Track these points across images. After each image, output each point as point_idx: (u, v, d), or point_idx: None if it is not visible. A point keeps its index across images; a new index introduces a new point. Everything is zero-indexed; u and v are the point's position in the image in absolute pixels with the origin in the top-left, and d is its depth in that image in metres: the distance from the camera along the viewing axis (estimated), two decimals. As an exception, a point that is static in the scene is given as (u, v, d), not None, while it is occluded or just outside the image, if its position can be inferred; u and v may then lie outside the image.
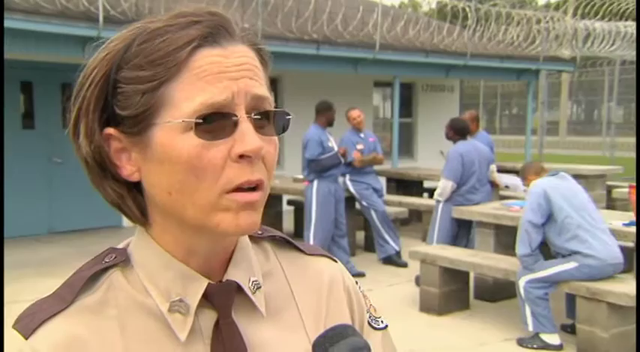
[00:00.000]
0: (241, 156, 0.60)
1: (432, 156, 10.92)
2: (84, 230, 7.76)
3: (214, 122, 0.60)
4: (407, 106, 11.22)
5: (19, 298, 4.47)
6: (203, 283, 0.65)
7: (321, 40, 8.23)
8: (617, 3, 13.95)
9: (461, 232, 5.54)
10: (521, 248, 4.02)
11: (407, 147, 11.27)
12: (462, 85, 13.13)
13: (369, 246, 6.73)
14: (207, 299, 0.65)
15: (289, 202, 7.74)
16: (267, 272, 0.72)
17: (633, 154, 12.22)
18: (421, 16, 11.57)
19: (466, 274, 4.92)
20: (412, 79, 11.04)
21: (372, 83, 10.86)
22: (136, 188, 0.66)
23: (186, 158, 0.60)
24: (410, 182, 8.52)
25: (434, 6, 12.44)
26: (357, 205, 6.50)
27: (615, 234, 4.11)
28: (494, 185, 5.90)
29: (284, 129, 0.66)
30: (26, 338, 0.61)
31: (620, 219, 4.57)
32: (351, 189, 6.35)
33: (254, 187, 0.62)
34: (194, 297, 0.65)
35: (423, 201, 7.57)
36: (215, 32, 0.62)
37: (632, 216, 4.61)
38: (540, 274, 3.99)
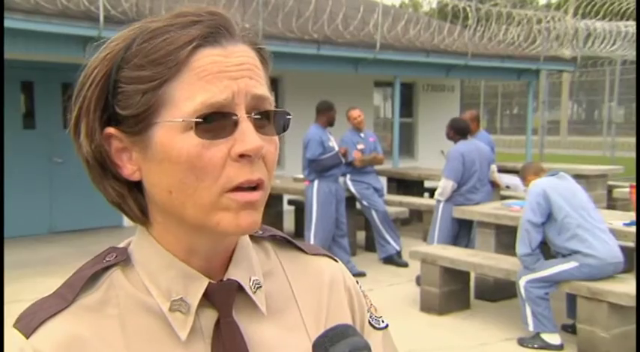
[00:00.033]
0: (241, 156, 0.60)
1: (433, 156, 10.92)
2: (84, 230, 7.77)
3: (214, 122, 0.60)
4: (407, 106, 11.22)
5: (20, 298, 4.47)
6: (204, 282, 0.65)
7: (322, 40, 8.23)
8: (618, 3, 13.94)
9: (461, 232, 5.54)
10: (521, 247, 4.03)
11: (407, 146, 11.27)
12: (462, 84, 13.14)
13: (370, 246, 6.73)
14: (207, 298, 0.65)
15: (290, 202, 7.74)
16: (267, 272, 0.72)
17: (634, 154, 12.20)
18: (422, 16, 11.57)
19: (467, 274, 4.92)
20: (413, 78, 11.04)
21: (373, 83, 10.86)
22: (136, 187, 0.66)
23: (186, 157, 0.60)
24: (410, 182, 8.52)
25: (434, 6, 12.44)
26: (358, 205, 6.50)
27: (616, 233, 4.11)
28: (494, 185, 5.90)
29: (284, 129, 0.66)
30: (27, 338, 0.61)
31: (621, 219, 4.57)
32: (352, 188, 6.35)
33: (254, 187, 0.62)
34: (195, 296, 0.65)
35: (424, 200, 7.57)
36: (215, 32, 0.62)
37: (633, 215, 4.61)
38: (541, 274, 3.99)
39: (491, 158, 5.70)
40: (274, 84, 9.45)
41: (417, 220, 7.84)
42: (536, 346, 4.04)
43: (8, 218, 6.61)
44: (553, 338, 4.03)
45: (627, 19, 13.74)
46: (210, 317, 0.65)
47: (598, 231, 3.92)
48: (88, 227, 7.81)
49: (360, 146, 6.23)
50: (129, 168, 0.64)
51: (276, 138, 0.65)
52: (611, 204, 8.12)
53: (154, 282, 0.65)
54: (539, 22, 11.48)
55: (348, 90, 9.74)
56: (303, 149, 5.77)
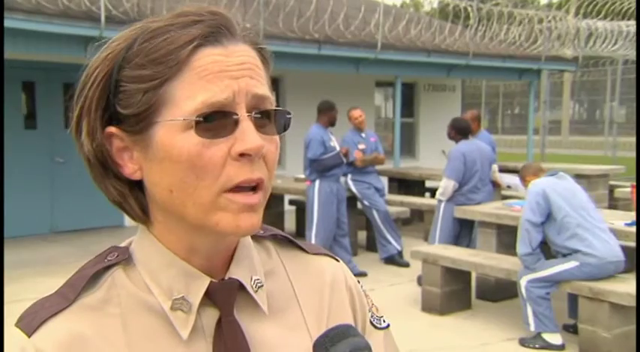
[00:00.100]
0: (242, 155, 0.60)
1: (434, 156, 10.91)
2: (86, 229, 7.78)
3: (215, 121, 0.60)
4: (409, 106, 11.22)
5: (21, 297, 4.48)
6: (205, 281, 0.65)
7: (323, 40, 8.23)
8: (620, 2, 13.92)
9: (463, 232, 5.54)
10: (521, 247, 4.03)
11: (409, 146, 11.27)
12: (463, 84, 13.13)
13: (371, 246, 6.73)
14: (209, 297, 0.65)
15: (291, 202, 7.75)
16: (269, 271, 0.72)
17: (635, 154, 12.18)
18: (423, 16, 11.57)
19: (468, 274, 4.92)
20: (414, 78, 11.04)
21: (374, 83, 10.86)
22: (137, 186, 0.66)
23: (186, 156, 0.60)
24: (412, 182, 8.52)
25: (436, 5, 12.44)
26: (359, 205, 6.50)
27: (617, 233, 4.11)
28: (495, 185, 5.90)
29: (285, 128, 0.66)
30: (29, 337, 0.61)
31: (622, 219, 4.57)
32: (353, 188, 6.35)
33: (254, 187, 0.62)
34: (196, 295, 0.65)
35: (425, 200, 7.57)
36: (216, 31, 0.62)
37: (634, 215, 4.60)
38: (542, 274, 3.99)
39: (492, 158, 5.69)
40: (275, 84, 9.45)
41: (418, 220, 7.84)
42: (537, 346, 4.04)
43: (10, 218, 6.62)
44: (554, 338, 4.02)
45: (629, 19, 13.72)
46: (211, 316, 0.65)
47: (598, 231, 3.93)
48: (89, 227, 7.82)
49: (361, 146, 6.23)
50: (130, 168, 0.65)
51: (277, 137, 0.65)
52: (613, 203, 8.11)
53: (155, 281, 0.65)
54: (540, 21, 11.47)
55: (349, 90, 9.74)
56: (305, 149, 5.77)
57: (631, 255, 4.19)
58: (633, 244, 4.29)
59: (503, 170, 6.97)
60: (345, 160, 5.91)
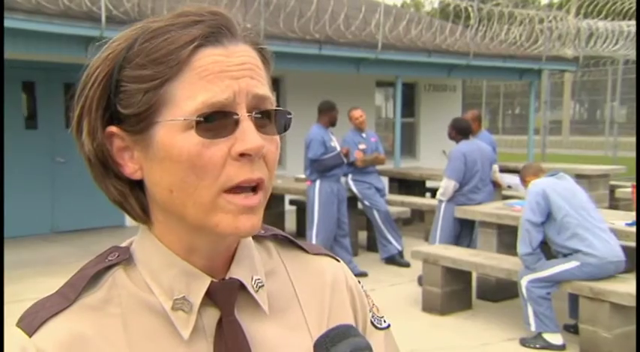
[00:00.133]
0: (242, 155, 0.61)
1: (435, 156, 10.91)
2: (86, 229, 7.78)
3: (215, 121, 0.60)
4: (409, 106, 11.21)
5: (22, 297, 4.48)
6: (206, 281, 0.65)
7: (324, 40, 8.23)
8: (620, 2, 13.92)
9: (463, 232, 5.54)
10: (522, 247, 4.03)
11: (409, 146, 11.27)
12: (464, 84, 13.13)
13: (372, 246, 6.73)
14: (210, 297, 0.65)
15: (291, 202, 7.75)
16: (270, 271, 0.72)
17: (635, 154, 12.18)
18: (423, 16, 11.57)
19: (468, 274, 4.92)
20: (414, 78, 11.03)
21: (375, 83, 10.86)
22: (138, 186, 0.66)
23: (186, 156, 0.60)
24: (412, 182, 8.52)
25: (436, 6, 12.44)
26: (360, 205, 6.50)
27: (618, 233, 4.11)
28: (496, 185, 5.90)
29: (285, 128, 0.66)
30: (30, 336, 0.62)
31: (623, 219, 4.56)
32: (354, 188, 6.35)
33: (254, 187, 0.62)
34: (197, 295, 0.65)
35: (426, 200, 7.57)
36: (217, 32, 0.62)
37: (635, 215, 4.60)
38: (542, 274, 3.99)
39: (493, 158, 5.69)
40: (276, 84, 9.45)
41: (418, 220, 7.84)
42: (538, 346, 4.04)
43: (10, 218, 6.62)
44: (555, 338, 4.02)
45: (629, 19, 13.71)
46: (212, 315, 0.66)
47: (598, 231, 3.93)
48: (90, 227, 7.82)
49: (362, 146, 6.23)
50: (130, 167, 0.65)
51: (277, 137, 0.65)
52: (614, 204, 8.11)
53: (156, 281, 0.65)
54: (541, 21, 11.47)
55: (350, 90, 9.74)
56: (305, 149, 5.77)
57: (632, 255, 4.19)
58: (634, 244, 4.29)
59: (504, 170, 6.97)
60: (345, 160, 5.91)
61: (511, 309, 4.74)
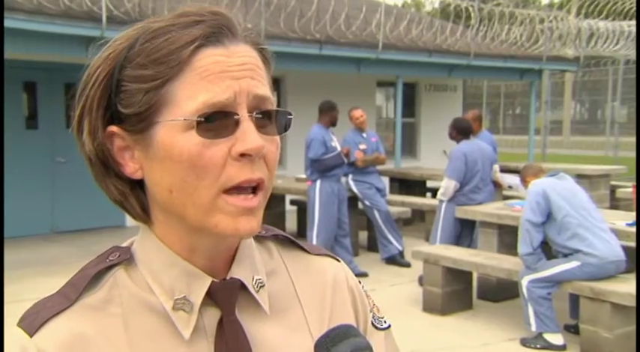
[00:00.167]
0: (242, 155, 0.61)
1: (435, 156, 10.91)
2: (87, 229, 7.78)
3: (216, 121, 0.60)
4: (410, 106, 11.21)
5: (22, 297, 4.48)
6: (207, 281, 0.65)
7: (324, 40, 8.23)
8: (621, 2, 13.91)
9: (464, 232, 5.54)
10: (522, 247, 4.03)
11: (410, 146, 11.26)
12: (465, 84, 13.12)
13: (372, 246, 6.73)
14: (210, 297, 0.65)
15: (292, 202, 7.75)
16: (271, 271, 0.72)
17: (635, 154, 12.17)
18: (424, 16, 11.57)
19: (469, 274, 4.92)
20: (415, 78, 11.03)
21: (375, 83, 10.86)
22: (138, 186, 0.66)
23: (187, 156, 0.60)
24: (413, 182, 8.52)
25: (437, 5, 12.44)
26: (360, 205, 6.50)
27: (618, 233, 4.11)
28: (497, 185, 5.90)
29: (286, 129, 0.66)
30: (31, 336, 0.62)
31: (624, 219, 4.56)
32: (354, 188, 6.35)
33: (255, 187, 0.62)
34: (198, 295, 0.65)
35: (426, 200, 7.57)
36: (218, 32, 0.62)
37: (635, 215, 4.60)
38: (543, 274, 3.99)
39: (493, 158, 5.69)
40: (276, 84, 9.45)
41: (419, 220, 7.84)
42: (538, 346, 4.03)
43: (11, 218, 6.62)
44: (556, 339, 4.02)
45: (630, 19, 13.71)
46: (213, 315, 0.66)
47: (599, 230, 3.93)
48: (90, 227, 7.82)
49: (363, 146, 6.23)
50: (131, 167, 0.65)
51: (278, 137, 0.65)
52: (614, 204, 8.11)
53: (157, 281, 0.65)
54: (541, 21, 11.47)
55: (351, 90, 9.74)
56: (306, 149, 5.77)
57: (632, 255, 4.18)
58: (634, 244, 4.29)
59: (505, 170, 6.96)
60: (346, 160, 5.91)
61: (512, 309, 4.74)
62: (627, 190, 7.18)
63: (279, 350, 0.68)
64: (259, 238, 0.75)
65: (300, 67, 8.21)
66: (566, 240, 3.94)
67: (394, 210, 6.61)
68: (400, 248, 6.31)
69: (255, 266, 0.70)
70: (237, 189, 0.61)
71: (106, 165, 0.66)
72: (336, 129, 5.93)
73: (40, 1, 6.05)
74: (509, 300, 4.96)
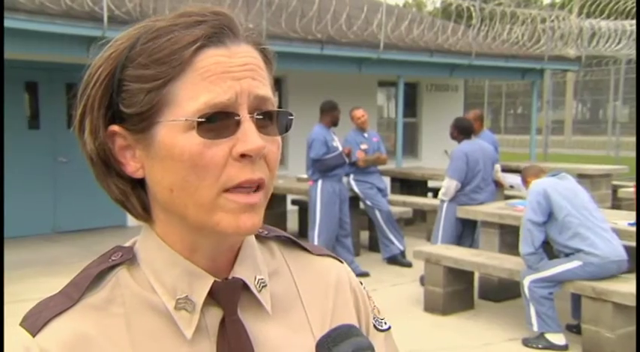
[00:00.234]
0: (243, 156, 0.61)
1: (437, 156, 10.91)
2: (88, 229, 7.79)
3: (217, 121, 0.60)
4: (411, 106, 11.21)
5: (24, 297, 4.49)
6: (209, 280, 0.65)
7: (325, 40, 8.23)
8: (623, 2, 13.89)
9: (465, 232, 5.53)
10: (524, 247, 4.03)
11: (411, 146, 11.26)
12: (466, 84, 13.12)
13: (374, 246, 6.73)
14: (213, 296, 0.65)
15: (293, 202, 7.74)
16: (273, 271, 0.72)
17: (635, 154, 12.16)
18: (425, 16, 11.57)
19: (471, 274, 4.91)
20: (416, 78, 11.03)
21: (376, 83, 10.85)
22: (140, 185, 0.67)
23: (188, 156, 0.60)
24: (414, 182, 8.51)
25: (438, 5, 12.44)
26: (362, 205, 6.50)
27: (620, 233, 4.10)
28: (498, 185, 5.89)
29: (286, 129, 0.66)
30: (33, 336, 0.62)
31: (626, 219, 4.56)
32: (355, 188, 6.35)
33: (255, 187, 0.62)
34: (200, 295, 0.65)
35: (428, 200, 7.57)
36: (219, 32, 0.62)
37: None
38: (544, 274, 3.98)
39: (495, 158, 5.69)
40: (278, 84, 9.45)
41: (420, 220, 7.84)
42: (540, 346, 4.03)
43: (12, 217, 6.63)
44: (557, 339, 4.02)
45: (632, 18, 13.69)
46: (215, 315, 0.66)
47: (600, 230, 3.92)
48: (92, 227, 7.83)
49: (364, 146, 6.23)
50: (132, 166, 0.65)
51: (279, 138, 0.65)
52: (616, 203, 8.10)
53: (159, 280, 0.65)
54: (543, 21, 11.46)
55: (352, 90, 9.74)
56: (307, 149, 5.77)
57: (634, 255, 4.18)
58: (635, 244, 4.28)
59: (506, 170, 6.96)
60: (347, 160, 5.91)
61: (513, 309, 4.73)
62: (629, 190, 7.17)
63: (281, 350, 0.68)
64: (261, 238, 0.75)
65: (302, 66, 8.21)
66: (567, 240, 3.94)
67: (395, 209, 6.60)
68: (401, 248, 6.31)
69: (258, 266, 0.70)
70: (238, 188, 0.61)
71: (107, 165, 0.66)
72: (338, 129, 5.93)
73: (41, 1, 6.06)
74: (510, 300, 4.95)
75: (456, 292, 4.85)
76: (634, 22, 13.27)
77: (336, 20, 8.52)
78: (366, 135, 6.31)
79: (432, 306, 4.84)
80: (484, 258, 4.68)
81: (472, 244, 5.50)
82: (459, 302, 4.87)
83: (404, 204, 7.09)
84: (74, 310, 0.63)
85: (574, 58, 11.84)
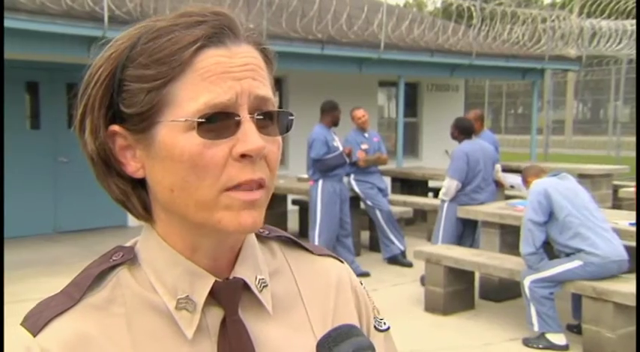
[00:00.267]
0: (243, 156, 0.61)
1: (437, 156, 10.90)
2: (89, 229, 7.79)
3: (217, 122, 0.60)
4: (412, 106, 11.21)
5: (24, 297, 4.49)
6: (210, 280, 0.65)
7: (326, 40, 8.23)
8: (624, 1, 13.88)
9: (466, 232, 5.53)
10: (525, 247, 4.03)
11: (412, 146, 11.26)
12: (466, 84, 13.12)
13: (374, 246, 6.73)
14: (213, 296, 0.65)
15: (294, 202, 7.75)
16: (274, 271, 0.72)
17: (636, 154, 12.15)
18: (426, 16, 11.57)
19: (471, 274, 4.91)
20: (417, 78, 11.03)
21: (377, 83, 10.85)
22: (140, 185, 0.67)
23: (188, 156, 0.60)
24: (415, 181, 8.51)
25: (439, 5, 12.43)
26: (362, 205, 6.50)
27: (620, 233, 4.10)
28: (499, 184, 5.89)
29: (287, 129, 0.66)
30: (34, 336, 0.62)
31: (626, 219, 4.55)
32: (356, 188, 6.35)
33: (256, 186, 0.62)
34: (201, 294, 0.65)
35: (428, 200, 7.56)
36: (220, 32, 0.62)
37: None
38: (545, 274, 3.98)
39: (495, 157, 5.69)
40: (278, 83, 9.45)
41: (421, 220, 7.84)
42: (541, 346, 4.03)
43: (13, 218, 6.64)
44: (558, 339, 4.02)
45: (633, 18, 13.68)
46: (216, 315, 0.66)
47: (600, 230, 3.92)
48: (92, 227, 7.83)
49: (364, 146, 6.23)
50: (132, 166, 0.65)
51: (279, 138, 0.65)
52: (617, 203, 8.09)
53: (160, 280, 0.65)
54: (544, 21, 11.45)
55: (352, 90, 9.74)
56: (308, 149, 5.77)
57: (635, 255, 4.18)
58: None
59: (507, 170, 6.96)
60: (348, 160, 5.91)
61: (514, 309, 4.73)
62: (629, 190, 7.17)
63: (282, 349, 0.68)
64: (262, 238, 0.75)
65: (302, 66, 8.21)
66: (568, 240, 3.94)
67: (396, 209, 6.60)
68: (402, 248, 6.31)
69: (259, 266, 0.70)
70: (238, 188, 0.61)
71: (107, 165, 0.66)
72: (338, 129, 5.93)
73: (42, 1, 6.06)
74: (511, 300, 4.95)
75: (457, 292, 4.85)
76: (635, 21, 13.26)
77: (336, 20, 8.52)
78: (366, 135, 6.31)
79: (433, 306, 4.84)
80: (485, 258, 4.68)
81: (473, 244, 5.50)
82: (460, 302, 4.87)
83: (404, 203, 7.09)
84: (75, 310, 0.63)
85: (575, 57, 11.84)
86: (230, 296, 0.66)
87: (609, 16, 13.50)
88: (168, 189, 0.63)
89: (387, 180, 7.66)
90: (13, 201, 6.77)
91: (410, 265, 6.15)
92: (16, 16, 5.66)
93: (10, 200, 6.49)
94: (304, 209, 7.13)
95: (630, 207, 6.91)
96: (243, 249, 0.69)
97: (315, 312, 0.72)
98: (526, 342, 4.11)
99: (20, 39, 5.90)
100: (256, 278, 0.69)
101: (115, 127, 0.64)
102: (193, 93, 0.60)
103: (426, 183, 8.73)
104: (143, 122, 0.62)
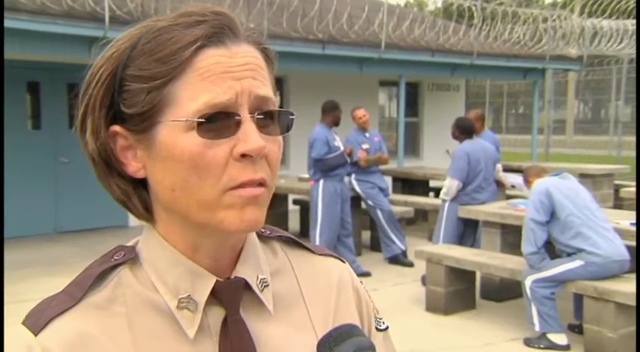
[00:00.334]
0: (243, 156, 0.61)
1: (438, 156, 10.90)
2: (90, 229, 7.80)
3: (218, 122, 0.60)
4: (413, 106, 11.21)
5: (25, 297, 4.50)
6: (211, 280, 0.65)
7: (327, 40, 8.23)
8: (625, 1, 13.87)
9: (467, 231, 5.53)
10: (527, 246, 4.03)
11: (413, 146, 11.26)
12: (467, 84, 13.11)
13: (375, 246, 6.73)
14: (215, 296, 0.65)
15: (295, 202, 7.75)
16: (276, 271, 0.73)
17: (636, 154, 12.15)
18: (427, 15, 11.56)
19: (472, 274, 4.91)
20: (418, 78, 11.02)
21: (378, 82, 10.85)
22: (141, 185, 0.67)
23: (188, 156, 0.60)
24: (416, 181, 8.51)
25: (440, 5, 12.43)
26: (363, 205, 6.50)
27: (622, 233, 4.10)
28: (500, 184, 5.89)
29: (288, 129, 0.66)
30: (35, 335, 0.62)
31: (628, 219, 4.55)
32: (357, 188, 6.35)
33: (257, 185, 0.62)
34: (202, 294, 0.65)
35: (429, 200, 7.56)
36: (220, 32, 0.62)
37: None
38: (546, 273, 3.98)
39: (496, 157, 5.69)
40: (279, 83, 9.45)
41: (422, 220, 7.84)
42: (542, 346, 4.03)
43: (14, 218, 6.64)
44: (559, 339, 4.01)
45: (634, 18, 13.67)
46: (217, 315, 0.66)
47: (602, 230, 3.92)
48: (93, 227, 7.83)
49: (365, 146, 6.23)
50: (133, 166, 0.65)
51: (280, 137, 0.65)
52: (618, 203, 8.09)
53: (161, 280, 0.65)
54: (545, 20, 11.45)
55: (353, 90, 9.74)
56: (309, 148, 5.77)
57: (636, 255, 4.17)
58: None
59: (508, 169, 6.96)
60: (349, 160, 5.91)
61: (515, 309, 4.73)
62: (631, 190, 7.16)
63: (283, 349, 0.68)
64: (264, 238, 0.75)
65: (303, 66, 8.21)
66: (569, 239, 3.94)
67: (397, 209, 6.60)
68: (403, 247, 6.31)
69: (260, 265, 0.70)
70: (240, 187, 0.61)
71: (108, 165, 0.66)
72: (339, 128, 5.93)
73: (42, 2, 6.07)
74: (512, 300, 4.95)
75: (458, 292, 4.85)
76: (635, 21, 13.25)
77: (337, 20, 8.52)
78: (367, 134, 6.31)
79: (434, 306, 4.84)
80: (486, 258, 4.67)
81: (474, 244, 5.49)
82: (461, 301, 4.86)
83: (405, 203, 7.09)
84: (76, 309, 0.63)
85: (576, 57, 11.83)
86: (231, 295, 0.66)
87: (610, 16, 13.49)
88: (169, 189, 0.63)
89: (388, 180, 7.65)
90: (14, 201, 6.77)
91: (411, 265, 6.15)
92: (16, 16, 5.67)
93: (11, 200, 6.50)
94: (305, 209, 7.13)
95: (631, 206, 6.91)
96: (244, 249, 0.69)
97: (317, 312, 0.72)
98: (527, 342, 4.11)
99: (21, 39, 5.90)
100: (257, 277, 0.69)
101: (116, 127, 0.64)
102: (193, 93, 0.60)
103: (427, 182, 8.73)
104: (144, 122, 0.62)
